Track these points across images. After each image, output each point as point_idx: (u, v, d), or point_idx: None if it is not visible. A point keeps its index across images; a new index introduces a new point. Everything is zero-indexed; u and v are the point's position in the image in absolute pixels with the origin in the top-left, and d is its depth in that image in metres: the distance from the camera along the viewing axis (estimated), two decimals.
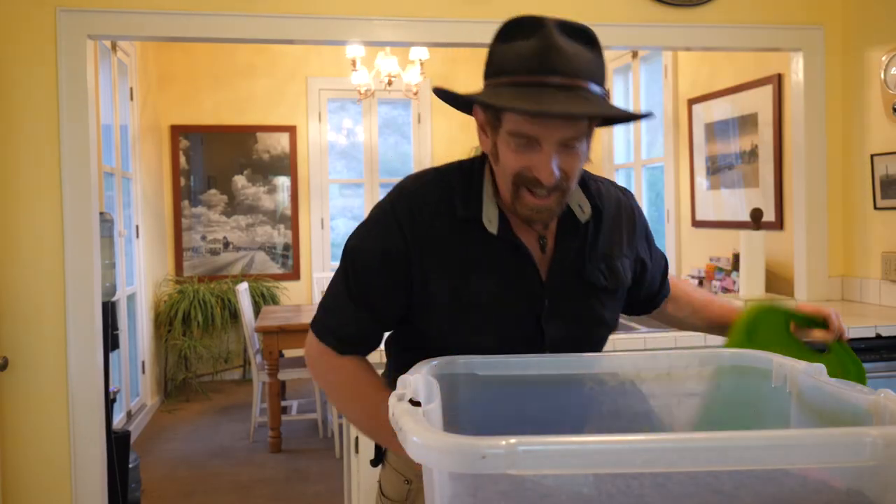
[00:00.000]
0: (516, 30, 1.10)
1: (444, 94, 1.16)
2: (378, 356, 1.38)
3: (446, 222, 1.18)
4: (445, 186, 1.21)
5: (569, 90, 1.06)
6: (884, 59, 2.92)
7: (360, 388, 1.21)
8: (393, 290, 1.19)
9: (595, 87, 1.09)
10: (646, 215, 1.42)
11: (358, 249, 1.21)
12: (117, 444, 2.99)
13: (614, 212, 1.30)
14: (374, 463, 1.33)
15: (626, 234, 1.31)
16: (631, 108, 4.74)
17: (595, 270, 1.24)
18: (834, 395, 0.88)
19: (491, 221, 1.18)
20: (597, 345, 1.28)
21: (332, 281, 1.24)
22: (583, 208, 1.24)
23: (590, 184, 1.27)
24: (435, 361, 1.04)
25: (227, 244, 6.21)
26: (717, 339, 2.45)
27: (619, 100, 4.98)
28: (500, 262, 1.18)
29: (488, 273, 1.17)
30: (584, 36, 1.11)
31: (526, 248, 1.19)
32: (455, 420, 1.00)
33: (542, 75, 1.06)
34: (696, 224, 4.29)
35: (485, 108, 1.14)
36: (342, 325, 1.22)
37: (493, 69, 1.12)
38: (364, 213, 6.53)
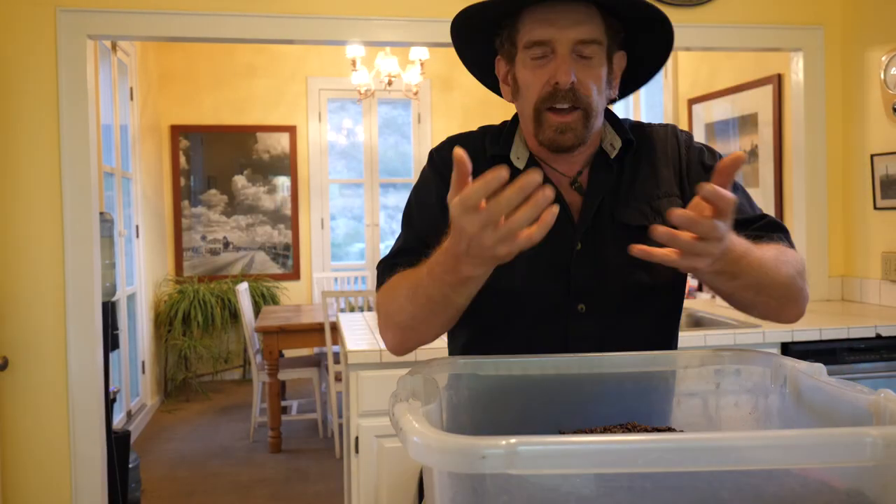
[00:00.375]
0: None
1: (461, 24, 1.17)
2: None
3: (479, 166, 1.12)
4: (481, 134, 1.24)
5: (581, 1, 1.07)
6: (884, 59, 2.92)
7: (401, 280, 1.09)
8: (445, 212, 1.12)
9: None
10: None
11: (415, 190, 1.24)
12: (117, 443, 2.99)
13: (657, 146, 1.21)
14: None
15: (672, 168, 1.20)
16: (631, 113, 4.74)
17: (631, 210, 1.15)
18: (834, 394, 0.88)
19: (519, 158, 1.18)
20: (637, 305, 1.15)
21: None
22: (613, 145, 1.19)
23: (622, 121, 1.22)
24: (436, 361, 1.04)
25: (227, 244, 6.21)
26: (718, 340, 2.47)
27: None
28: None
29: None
30: None
31: (554, 186, 1.13)
32: (455, 420, 1.00)
33: None
34: None
35: (501, 43, 1.16)
36: (403, 248, 1.18)
37: None
38: (364, 213, 6.54)
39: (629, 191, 1.17)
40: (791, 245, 1.14)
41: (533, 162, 1.18)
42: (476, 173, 1.09)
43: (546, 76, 1.09)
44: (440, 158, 1.22)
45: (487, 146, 1.20)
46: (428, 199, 1.19)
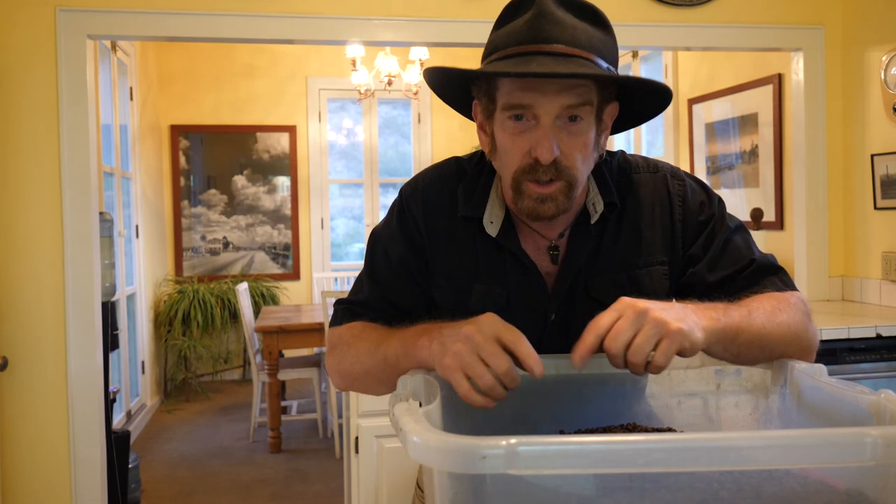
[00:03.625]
0: (512, 12, 1.02)
1: (434, 77, 1.07)
2: None
3: (453, 221, 1.11)
4: (456, 177, 1.14)
5: (564, 57, 0.96)
6: (884, 58, 2.92)
7: (366, 331, 1.10)
8: (411, 276, 1.12)
9: (601, 61, 0.98)
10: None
11: (379, 235, 1.17)
12: (117, 444, 2.99)
13: (643, 203, 1.11)
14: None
15: (661, 230, 1.11)
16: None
17: (606, 283, 1.09)
18: (834, 395, 0.88)
19: (493, 223, 1.09)
20: None
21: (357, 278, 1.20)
22: (596, 207, 1.09)
23: (609, 175, 1.11)
24: None
25: (226, 244, 6.21)
26: None
27: None
28: (503, 271, 1.10)
29: (491, 281, 1.10)
30: (587, 12, 1.01)
31: (527, 257, 1.09)
32: (455, 420, 1.00)
33: (534, 44, 0.97)
34: None
35: (479, 94, 1.06)
36: (368, 303, 1.15)
37: (487, 52, 1.04)
38: (364, 213, 6.53)
39: (607, 259, 1.10)
40: (787, 285, 1.08)
41: (509, 224, 1.09)
42: (453, 233, 1.11)
43: (527, 146, 0.99)
44: (408, 210, 1.14)
45: (461, 203, 1.11)
46: (395, 253, 1.14)
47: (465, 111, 1.16)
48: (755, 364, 1.02)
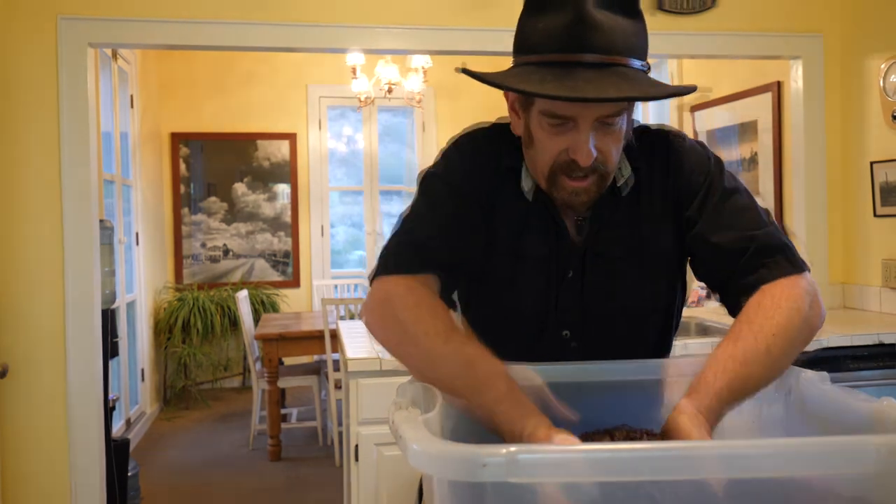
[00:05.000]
0: (545, 2, 1.02)
1: (471, 75, 1.07)
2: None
3: (493, 174, 1.14)
4: (497, 137, 1.16)
5: (604, 67, 0.98)
6: (882, 66, 2.93)
7: (426, 305, 1.02)
8: (471, 215, 1.11)
9: (635, 62, 1.01)
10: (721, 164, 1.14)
11: (437, 175, 1.15)
12: (116, 452, 2.98)
13: (652, 166, 1.14)
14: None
15: (660, 191, 1.14)
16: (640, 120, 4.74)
17: (616, 240, 1.12)
18: (837, 402, 0.87)
19: (527, 189, 1.13)
20: (620, 333, 1.14)
21: (404, 216, 1.13)
22: (623, 173, 1.12)
23: (633, 143, 1.13)
24: None
25: (226, 251, 6.21)
26: None
27: None
28: (533, 228, 1.13)
29: (519, 232, 1.12)
30: (621, 3, 1.02)
31: (562, 224, 1.12)
32: (455, 428, 1.00)
33: (574, 53, 0.98)
34: None
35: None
36: (423, 240, 1.09)
37: (522, 46, 1.04)
38: (364, 220, 6.53)
39: (620, 218, 1.13)
40: (794, 265, 1.05)
41: (540, 192, 1.12)
42: (488, 180, 1.12)
43: (564, 144, 1.02)
44: (467, 158, 1.15)
45: (503, 155, 1.14)
46: (457, 189, 1.13)
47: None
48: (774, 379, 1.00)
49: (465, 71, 1.06)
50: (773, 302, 0.99)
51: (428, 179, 1.15)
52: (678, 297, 1.20)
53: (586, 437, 0.97)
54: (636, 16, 1.04)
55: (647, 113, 4.78)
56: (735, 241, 1.06)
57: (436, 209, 1.11)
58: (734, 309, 1.05)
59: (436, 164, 1.17)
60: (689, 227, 1.11)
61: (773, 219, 1.12)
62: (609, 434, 0.97)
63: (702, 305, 3.55)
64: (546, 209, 1.12)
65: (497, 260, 1.13)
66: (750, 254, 1.05)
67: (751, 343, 0.95)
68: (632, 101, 1.01)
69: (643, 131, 1.17)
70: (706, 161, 1.14)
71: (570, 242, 1.13)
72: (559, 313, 1.13)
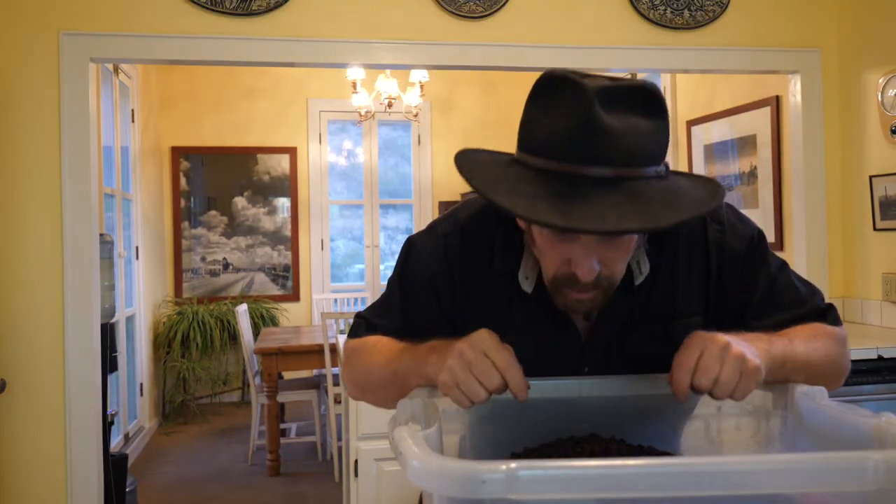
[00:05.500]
0: (553, 94, 0.91)
1: (463, 168, 0.96)
2: None
3: (486, 272, 1.08)
4: (491, 228, 1.08)
5: (612, 185, 0.86)
6: (880, 81, 2.94)
7: (381, 344, 1.09)
8: (435, 310, 1.11)
9: (649, 170, 0.88)
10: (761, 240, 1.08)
11: (412, 269, 1.13)
12: (115, 467, 2.97)
13: (680, 253, 1.06)
14: None
15: (696, 280, 1.06)
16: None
17: (643, 337, 1.06)
18: (835, 418, 0.87)
19: (528, 278, 1.05)
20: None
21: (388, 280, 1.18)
22: (641, 268, 1.04)
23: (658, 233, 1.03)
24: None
25: (226, 265, 6.21)
26: None
27: None
28: (536, 323, 1.07)
29: (523, 333, 1.04)
30: (639, 100, 0.89)
31: (562, 314, 1.05)
32: (456, 444, 1.00)
33: (578, 165, 0.86)
34: None
35: None
36: (386, 313, 1.15)
37: (524, 140, 0.93)
38: (364, 234, 6.54)
39: (644, 311, 1.06)
40: (835, 322, 1.07)
41: (542, 286, 1.04)
42: (487, 282, 1.08)
43: (566, 256, 0.94)
44: (447, 246, 1.11)
45: (497, 255, 1.07)
46: (428, 280, 1.11)
47: None
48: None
49: (459, 161, 0.96)
50: (814, 330, 1.03)
51: (404, 257, 1.16)
52: None
53: (552, 445, 0.97)
54: (657, 114, 0.90)
55: None
56: (784, 321, 1.05)
57: (393, 298, 1.15)
58: None
59: (420, 235, 1.16)
60: (731, 308, 1.08)
61: (806, 281, 1.13)
62: (575, 442, 0.97)
63: None
64: (549, 306, 1.04)
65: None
66: (800, 317, 1.08)
67: (799, 339, 0.99)
68: (632, 233, 0.91)
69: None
70: (749, 243, 1.08)
71: (580, 340, 1.08)
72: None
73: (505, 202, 0.86)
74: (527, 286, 1.06)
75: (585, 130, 0.86)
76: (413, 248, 1.15)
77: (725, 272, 1.07)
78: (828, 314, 1.10)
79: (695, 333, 0.91)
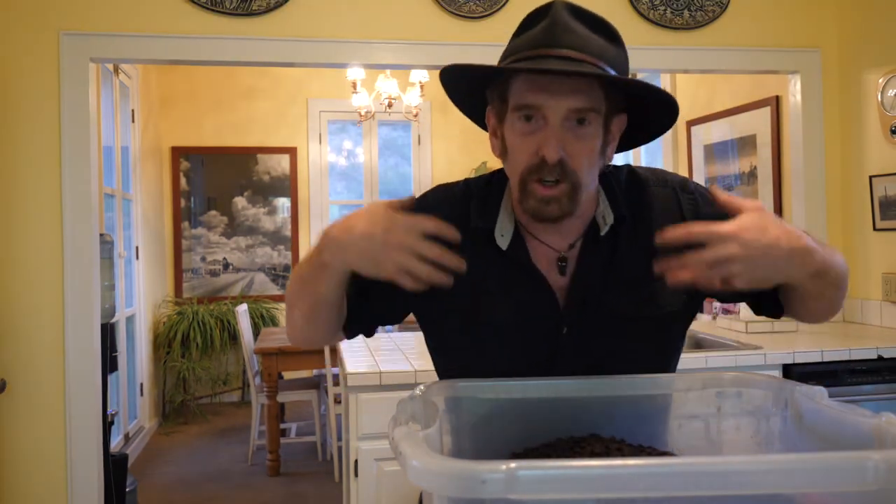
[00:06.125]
0: (528, 20, 1.07)
1: (450, 78, 1.11)
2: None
3: (463, 232, 1.07)
4: (467, 196, 1.15)
5: (575, 62, 1.00)
6: (880, 81, 2.94)
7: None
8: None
9: (609, 69, 1.02)
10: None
11: None
12: (115, 467, 2.97)
13: (655, 217, 1.10)
14: None
15: (672, 248, 1.11)
16: None
17: (622, 298, 1.08)
18: (835, 418, 0.87)
19: (503, 236, 1.10)
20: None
21: None
22: (605, 219, 1.10)
23: (617, 188, 1.12)
24: (435, 384, 1.03)
25: (226, 265, 6.21)
26: (719, 362, 2.46)
27: None
28: (513, 285, 1.09)
29: (500, 296, 1.08)
30: (600, 26, 1.05)
31: (536, 269, 1.08)
32: (456, 444, 1.00)
33: (547, 48, 1.01)
34: None
35: (492, 96, 1.09)
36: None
37: (504, 56, 1.08)
38: None
39: (621, 273, 1.09)
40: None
41: (518, 237, 1.10)
42: (462, 247, 1.08)
43: (534, 146, 1.02)
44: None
45: (472, 215, 1.12)
46: None
47: (478, 119, 1.19)
48: (817, 313, 1.10)
49: (445, 71, 1.12)
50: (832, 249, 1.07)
51: None
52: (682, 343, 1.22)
53: (552, 445, 0.98)
54: (617, 43, 1.06)
55: None
56: None
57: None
58: (782, 312, 1.12)
59: None
60: None
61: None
62: (575, 442, 0.97)
63: (695, 318, 3.54)
64: (523, 265, 1.09)
65: (477, 319, 1.10)
66: None
67: (830, 254, 1.03)
68: (588, 76, 1.01)
69: (639, 185, 1.14)
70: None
71: (555, 298, 1.09)
72: (558, 374, 1.09)
73: (484, 67, 1.05)
74: (502, 243, 1.10)
75: (553, 26, 1.02)
76: None
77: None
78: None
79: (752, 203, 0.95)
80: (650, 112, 1.09)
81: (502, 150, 1.09)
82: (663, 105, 1.08)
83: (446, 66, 1.10)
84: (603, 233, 1.10)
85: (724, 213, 1.06)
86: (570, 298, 1.09)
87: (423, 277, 0.96)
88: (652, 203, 1.12)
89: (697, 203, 1.13)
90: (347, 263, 1.02)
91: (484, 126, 1.16)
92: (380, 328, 1.29)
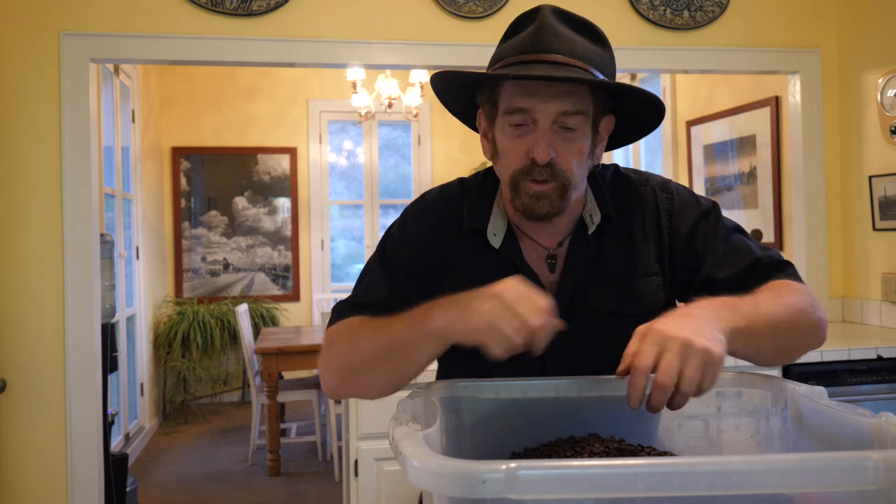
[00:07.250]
0: (516, 25, 1.10)
1: (441, 83, 1.13)
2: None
3: (457, 237, 1.15)
4: (460, 194, 1.19)
5: (562, 66, 1.03)
6: (880, 81, 2.94)
7: (366, 322, 1.08)
8: (419, 273, 1.14)
9: (596, 73, 1.05)
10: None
11: (388, 238, 1.20)
12: (115, 467, 2.97)
13: (636, 216, 1.15)
14: None
15: (653, 242, 1.15)
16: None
17: (604, 294, 1.12)
18: (835, 418, 0.87)
19: (496, 235, 1.14)
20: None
21: (361, 273, 1.20)
22: (593, 218, 1.14)
23: (604, 187, 1.16)
24: (435, 384, 1.03)
25: (226, 265, 6.21)
26: None
27: None
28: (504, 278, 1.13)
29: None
30: (587, 29, 1.08)
31: (528, 267, 1.12)
32: (456, 444, 1.00)
33: (534, 53, 1.04)
34: None
35: (482, 100, 1.12)
36: (368, 289, 1.15)
37: (492, 61, 1.10)
38: (364, 234, 6.54)
39: (606, 270, 1.13)
40: (798, 279, 1.11)
41: (511, 236, 1.14)
42: (457, 247, 1.14)
43: (525, 147, 1.05)
44: (416, 224, 1.18)
45: (465, 216, 1.16)
46: (406, 255, 1.17)
47: (469, 121, 1.21)
48: (776, 358, 1.07)
49: (435, 77, 1.11)
50: (779, 289, 1.04)
51: (382, 242, 1.20)
52: None
53: (552, 445, 0.98)
54: (603, 45, 1.09)
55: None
56: (742, 270, 1.10)
57: (374, 276, 1.16)
58: None
59: (394, 224, 1.22)
60: (697, 268, 1.13)
61: (761, 244, 1.17)
62: (575, 442, 0.97)
63: None
64: (514, 263, 1.12)
65: None
66: (758, 273, 1.10)
67: (765, 298, 1.00)
68: (575, 82, 1.02)
69: (623, 184, 1.18)
70: (699, 208, 1.16)
71: (542, 291, 1.08)
72: (547, 371, 1.11)
73: (475, 74, 1.07)
74: (495, 242, 1.14)
75: (540, 31, 1.05)
76: (389, 234, 1.21)
77: (678, 237, 1.15)
78: (786, 267, 1.11)
79: (648, 328, 0.87)
80: (638, 111, 1.13)
81: (493, 153, 1.13)
82: (649, 104, 1.11)
83: (437, 72, 1.12)
84: (591, 231, 1.14)
85: (697, 220, 1.14)
86: (560, 296, 1.12)
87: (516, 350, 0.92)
88: (634, 202, 1.16)
89: (674, 203, 1.16)
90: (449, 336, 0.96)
91: (476, 128, 1.19)
92: None
